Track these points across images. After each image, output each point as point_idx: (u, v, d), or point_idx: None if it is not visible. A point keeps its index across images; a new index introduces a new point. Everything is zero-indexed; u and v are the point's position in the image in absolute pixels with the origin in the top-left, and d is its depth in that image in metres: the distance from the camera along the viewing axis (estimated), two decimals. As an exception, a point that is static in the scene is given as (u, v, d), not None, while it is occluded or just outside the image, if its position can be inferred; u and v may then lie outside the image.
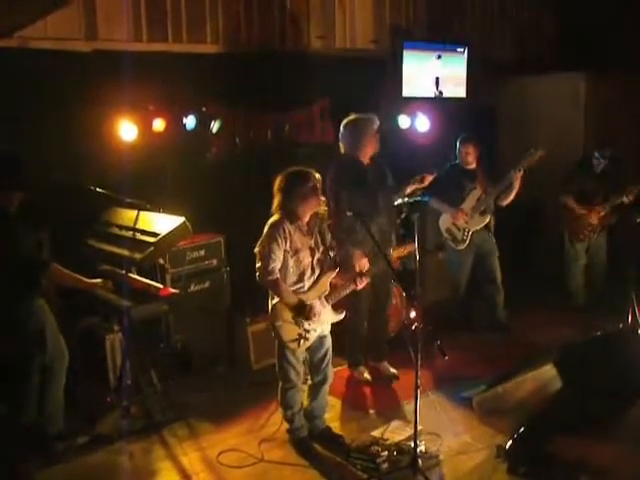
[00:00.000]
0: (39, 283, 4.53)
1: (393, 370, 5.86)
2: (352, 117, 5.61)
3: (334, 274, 4.70)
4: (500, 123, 8.94)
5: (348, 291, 4.77)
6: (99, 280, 4.77)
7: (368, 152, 5.58)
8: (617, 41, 8.14)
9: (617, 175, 6.91)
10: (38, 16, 5.32)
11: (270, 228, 4.47)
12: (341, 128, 5.65)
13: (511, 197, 6.54)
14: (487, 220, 6.64)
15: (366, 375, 5.81)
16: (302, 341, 4.55)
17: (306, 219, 4.59)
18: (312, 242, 4.62)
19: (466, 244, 6.66)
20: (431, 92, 8.04)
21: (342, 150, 5.65)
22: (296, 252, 4.51)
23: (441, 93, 8.08)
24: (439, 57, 7.99)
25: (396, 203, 6.27)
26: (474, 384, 5.42)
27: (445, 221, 6.77)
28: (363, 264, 5.05)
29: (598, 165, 6.94)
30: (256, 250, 4.48)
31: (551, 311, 7.07)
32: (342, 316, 4.78)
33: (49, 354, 4.56)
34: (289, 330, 4.52)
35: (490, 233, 6.77)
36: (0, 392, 4.68)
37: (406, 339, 5.77)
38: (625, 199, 6.76)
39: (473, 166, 6.69)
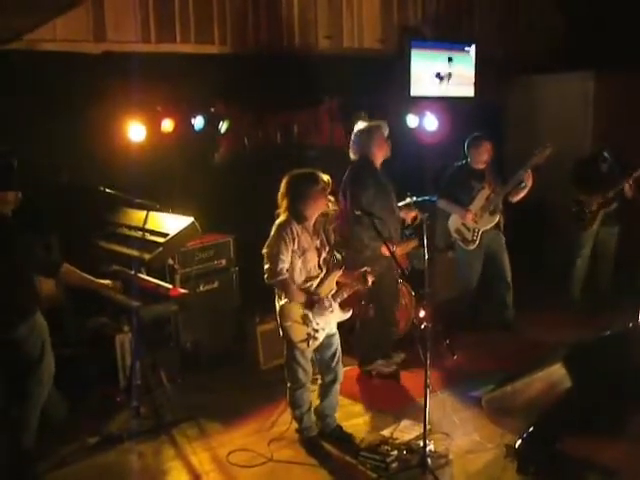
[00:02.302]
0: (38, 295, 4.52)
1: (398, 355, 5.94)
2: (362, 125, 5.72)
3: (340, 273, 4.71)
4: (508, 122, 8.92)
5: (354, 290, 4.78)
6: (109, 281, 4.79)
7: (380, 157, 5.68)
8: (626, 40, 8.11)
9: (620, 173, 6.90)
10: (48, 18, 5.35)
11: (278, 229, 4.48)
12: (352, 136, 5.74)
13: (522, 194, 6.53)
14: (496, 219, 6.63)
15: (385, 368, 5.86)
16: (311, 341, 4.55)
17: (313, 220, 4.61)
18: (318, 242, 4.64)
19: (476, 244, 6.65)
20: (440, 87, 8.03)
21: (353, 156, 5.72)
22: (303, 252, 4.52)
23: (450, 75, 8.05)
24: (450, 59, 8.01)
25: (403, 203, 6.29)
26: (483, 383, 5.42)
27: (454, 222, 6.76)
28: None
29: (604, 164, 6.94)
30: (264, 251, 4.49)
31: (560, 310, 7.06)
32: (349, 314, 4.79)
33: (43, 368, 4.46)
34: (298, 330, 4.52)
35: (500, 232, 6.76)
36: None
37: (415, 338, 5.79)
38: (626, 185, 6.78)
39: (482, 166, 6.67)
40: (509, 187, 6.51)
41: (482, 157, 6.62)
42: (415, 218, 5.97)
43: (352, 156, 5.75)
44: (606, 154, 6.90)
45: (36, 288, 4.50)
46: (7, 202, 4.29)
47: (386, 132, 5.68)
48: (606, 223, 7.06)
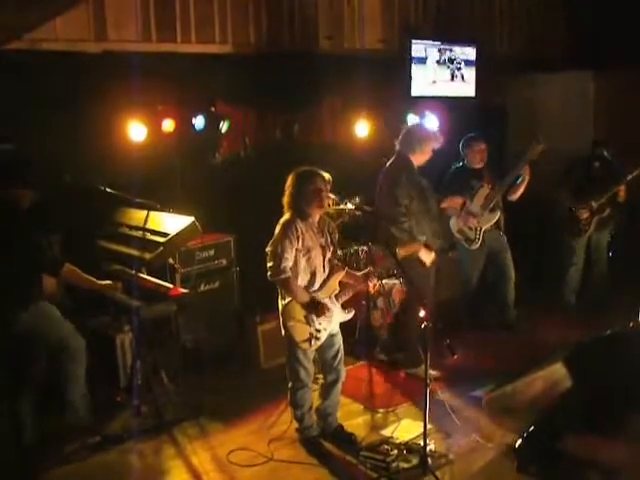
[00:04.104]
0: (41, 286, 4.56)
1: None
2: (417, 126, 5.87)
3: (343, 274, 4.71)
4: (509, 122, 8.91)
5: (356, 290, 4.77)
6: (109, 281, 4.80)
7: (418, 162, 5.68)
8: (626, 39, 8.11)
9: (611, 173, 6.90)
10: (48, 17, 5.35)
11: (282, 227, 4.47)
12: (406, 130, 5.75)
13: (520, 191, 6.55)
14: (497, 217, 6.63)
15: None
16: (313, 340, 4.56)
17: (316, 218, 4.60)
18: (323, 241, 4.63)
19: (479, 243, 6.64)
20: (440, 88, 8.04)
21: (398, 146, 5.72)
22: (308, 251, 4.51)
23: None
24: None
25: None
26: (484, 383, 5.42)
27: (455, 223, 6.75)
28: (429, 258, 5.43)
29: (596, 165, 6.95)
30: (268, 249, 4.48)
31: (560, 310, 7.07)
32: (351, 315, 4.79)
33: (56, 346, 4.60)
34: (301, 330, 4.52)
35: (501, 232, 6.76)
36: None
37: (416, 338, 5.79)
38: (616, 191, 6.82)
39: (480, 165, 6.68)
40: (506, 183, 6.52)
41: (477, 157, 6.65)
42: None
43: (397, 146, 5.73)
44: (603, 152, 6.91)
45: (41, 280, 4.55)
46: (25, 199, 4.40)
47: (438, 144, 5.74)
48: (598, 228, 7.07)
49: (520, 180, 6.48)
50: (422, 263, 5.50)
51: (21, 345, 4.49)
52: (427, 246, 5.54)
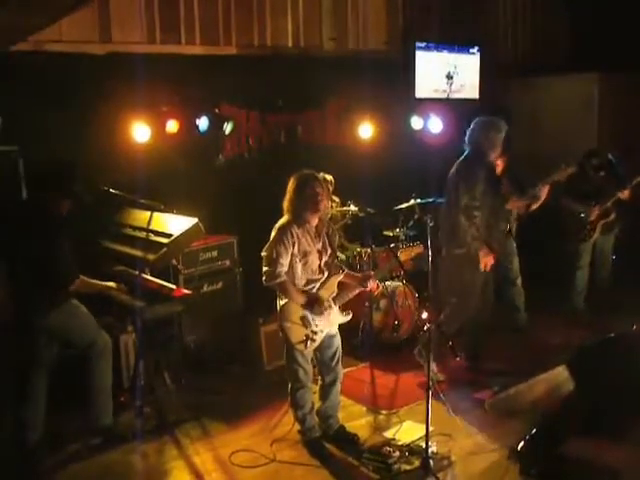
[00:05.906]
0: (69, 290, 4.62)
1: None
2: (488, 118, 5.68)
3: (341, 276, 4.70)
4: (513, 124, 8.88)
5: (355, 293, 4.77)
6: (113, 283, 4.81)
7: (490, 154, 5.64)
8: (631, 42, 8.10)
9: (615, 176, 6.90)
10: (53, 18, 5.36)
11: (278, 232, 4.45)
12: (475, 126, 5.67)
13: (535, 206, 6.46)
14: (507, 227, 6.56)
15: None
16: (309, 342, 4.54)
17: (314, 222, 4.57)
18: (320, 245, 4.61)
19: None
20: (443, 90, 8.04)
21: (466, 147, 5.66)
22: (305, 255, 4.50)
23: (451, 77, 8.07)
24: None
25: (406, 205, 6.27)
26: (486, 385, 5.42)
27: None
28: (488, 261, 5.37)
29: (596, 172, 6.94)
30: (263, 254, 4.47)
31: (565, 313, 7.05)
32: (349, 317, 4.77)
33: (84, 343, 4.64)
34: (297, 331, 4.52)
35: (510, 236, 6.71)
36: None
37: (418, 340, 5.79)
38: (620, 195, 6.80)
39: (498, 173, 6.61)
40: (525, 199, 6.35)
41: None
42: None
43: (465, 147, 5.68)
44: (607, 156, 6.90)
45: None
46: (64, 208, 4.53)
47: (503, 130, 5.66)
48: (604, 232, 7.06)
49: (536, 199, 6.36)
50: (474, 265, 5.48)
51: (43, 345, 4.57)
52: (489, 247, 5.49)
